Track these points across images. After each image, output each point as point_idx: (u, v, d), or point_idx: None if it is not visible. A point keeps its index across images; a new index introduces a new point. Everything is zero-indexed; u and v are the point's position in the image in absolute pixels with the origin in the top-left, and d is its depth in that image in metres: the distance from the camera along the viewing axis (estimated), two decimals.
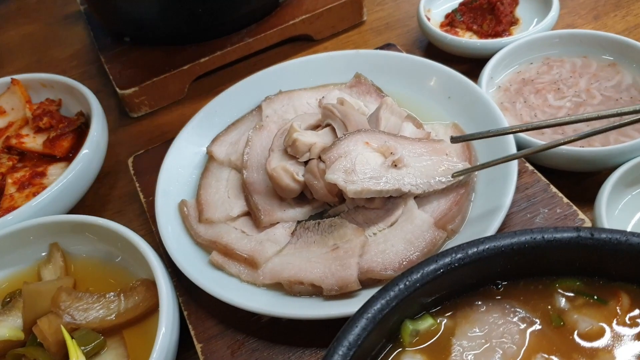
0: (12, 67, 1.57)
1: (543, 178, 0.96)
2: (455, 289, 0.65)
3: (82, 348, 0.85)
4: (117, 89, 1.29)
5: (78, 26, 1.64)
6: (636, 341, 0.60)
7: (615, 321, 0.61)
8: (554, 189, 0.94)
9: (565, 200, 0.92)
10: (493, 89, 1.13)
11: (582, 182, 1.02)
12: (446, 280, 0.63)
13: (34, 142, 1.22)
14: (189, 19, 1.30)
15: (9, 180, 1.14)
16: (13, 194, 1.11)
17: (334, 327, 0.83)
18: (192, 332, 0.86)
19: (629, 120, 0.75)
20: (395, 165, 0.88)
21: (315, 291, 0.84)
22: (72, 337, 0.86)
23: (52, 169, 1.17)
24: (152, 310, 0.90)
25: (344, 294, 0.82)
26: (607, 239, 0.62)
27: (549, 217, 0.91)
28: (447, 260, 0.63)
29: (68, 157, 1.20)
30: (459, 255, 0.63)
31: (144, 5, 1.31)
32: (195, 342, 0.86)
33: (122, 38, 1.42)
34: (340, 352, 0.57)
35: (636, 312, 0.62)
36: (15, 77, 1.29)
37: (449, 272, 0.62)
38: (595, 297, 0.64)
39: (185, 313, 0.89)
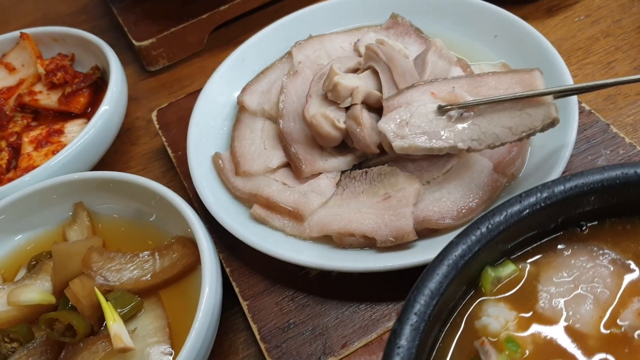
0: (18, 23, 1.49)
1: (602, 118, 0.89)
2: (537, 232, 0.59)
3: (118, 310, 0.80)
4: (134, 41, 1.21)
5: None
6: None
7: None
8: (615, 129, 0.88)
9: (628, 140, 0.86)
10: None
11: (638, 126, 0.95)
12: (529, 222, 0.57)
13: (48, 99, 1.15)
14: None
15: (25, 139, 1.07)
16: (31, 153, 1.05)
17: (388, 280, 0.79)
18: (237, 290, 0.81)
19: None
20: (453, 117, 0.77)
21: (368, 243, 0.78)
22: (107, 300, 0.80)
23: (70, 126, 1.10)
24: (190, 269, 0.85)
25: (399, 245, 0.77)
26: None
27: (611, 159, 0.85)
28: (533, 200, 0.57)
29: (86, 114, 1.13)
30: (544, 194, 0.57)
31: None
32: (241, 300, 0.80)
33: None
34: (422, 302, 0.52)
35: None
36: (25, 31, 1.21)
37: (534, 213, 0.56)
38: None
39: (227, 270, 0.83)
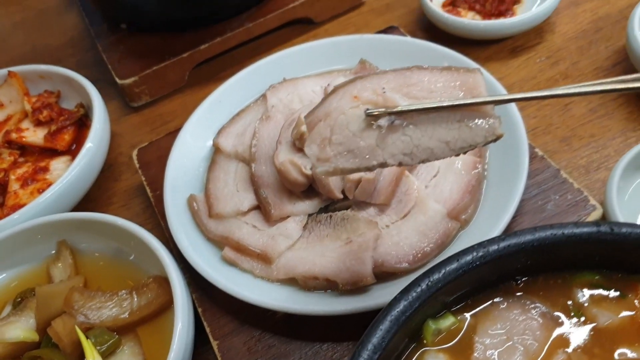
0: (7, 55, 1.54)
1: (553, 164, 0.95)
2: (475, 286, 0.65)
3: (98, 347, 0.85)
4: (117, 79, 1.27)
5: (72, 12, 1.61)
6: None
7: (633, 312, 0.62)
8: (565, 175, 0.94)
9: (576, 186, 0.92)
10: None
11: (591, 167, 1.02)
12: (467, 278, 0.63)
13: (34, 136, 1.21)
14: (186, 5, 1.27)
15: (12, 177, 1.13)
16: (17, 191, 1.10)
17: (349, 321, 0.85)
18: (208, 329, 0.87)
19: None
20: (382, 127, 0.66)
21: (330, 286, 0.84)
22: (87, 337, 0.86)
23: (55, 163, 1.16)
24: (166, 307, 0.90)
25: (359, 288, 0.82)
26: (628, 234, 0.62)
27: (560, 204, 0.91)
28: (469, 258, 0.62)
29: (70, 151, 1.19)
30: (480, 253, 0.63)
31: None
32: (211, 339, 0.86)
33: (118, 25, 1.39)
34: (365, 356, 0.58)
35: None
36: (12, 69, 1.27)
37: (470, 270, 0.62)
38: (614, 291, 0.64)
39: (199, 310, 0.89)
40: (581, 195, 0.91)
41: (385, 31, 1.22)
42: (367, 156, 0.67)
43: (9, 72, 1.26)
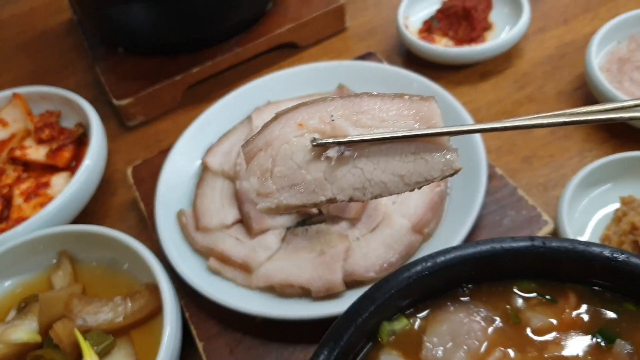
0: (9, 75, 1.63)
1: (511, 182, 1.05)
2: (426, 292, 0.74)
3: (95, 348, 0.94)
4: (114, 100, 1.36)
5: (72, 35, 1.70)
6: (581, 335, 0.69)
7: (563, 317, 0.71)
8: (521, 192, 1.03)
9: (531, 203, 1.01)
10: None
11: (549, 185, 1.11)
12: (418, 285, 0.72)
13: (37, 153, 1.29)
14: (179, 31, 1.37)
15: (16, 192, 1.21)
16: (21, 205, 1.19)
17: (321, 325, 0.92)
18: (194, 332, 0.95)
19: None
20: (331, 159, 0.61)
21: (304, 293, 0.93)
22: (85, 339, 0.94)
23: (56, 179, 1.25)
24: (156, 312, 0.99)
25: (330, 295, 0.91)
26: (557, 247, 0.70)
27: (515, 219, 1.00)
28: (419, 268, 0.71)
29: (70, 167, 1.28)
30: (428, 264, 0.71)
31: (134, 17, 1.37)
32: (197, 341, 0.95)
33: (116, 48, 1.48)
34: (326, 352, 0.66)
35: (581, 309, 0.71)
36: (17, 90, 1.36)
37: (420, 279, 0.71)
38: (547, 297, 0.72)
39: (187, 314, 0.98)
40: (535, 211, 1.00)
41: (363, 57, 1.32)
42: (315, 191, 0.62)
43: (14, 93, 1.36)
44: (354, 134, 0.62)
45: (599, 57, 1.22)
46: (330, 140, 0.61)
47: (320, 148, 0.61)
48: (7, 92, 1.37)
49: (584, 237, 0.99)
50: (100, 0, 1.35)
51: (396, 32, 1.43)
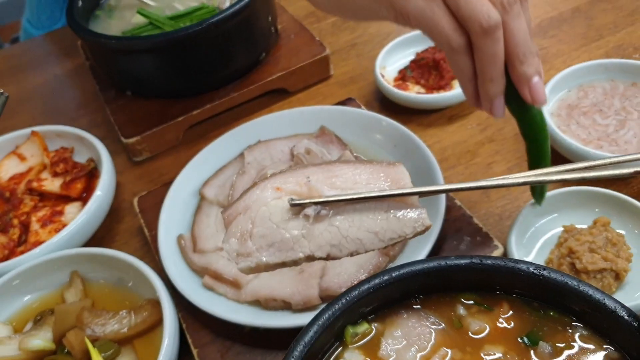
0: (29, 114, 1.78)
1: (468, 212, 1.20)
2: (384, 301, 0.87)
3: (102, 355, 1.07)
4: (122, 139, 1.52)
5: (85, 78, 1.86)
6: (511, 337, 0.83)
7: (497, 323, 0.85)
8: (476, 221, 1.18)
9: (484, 230, 1.16)
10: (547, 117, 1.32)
11: (504, 215, 1.26)
12: (377, 295, 0.85)
13: (52, 185, 1.44)
14: (182, 78, 1.54)
15: (33, 218, 1.36)
16: (38, 230, 1.34)
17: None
18: (190, 340, 1.09)
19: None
20: (309, 217, 0.64)
21: (286, 306, 1.07)
22: (94, 347, 1.08)
23: (69, 208, 1.39)
24: (157, 324, 1.11)
25: (308, 307, 1.06)
26: (491, 264, 0.85)
27: (470, 244, 1.14)
28: (377, 281, 0.85)
29: (82, 197, 1.43)
30: (385, 277, 0.85)
31: (142, 67, 1.54)
32: (192, 348, 1.08)
33: (124, 92, 1.65)
34: (298, 350, 0.80)
35: (512, 315, 0.85)
36: (35, 129, 1.52)
37: (379, 289, 0.85)
38: (485, 306, 0.87)
39: (184, 325, 1.11)
40: (488, 237, 1.15)
41: (344, 102, 1.48)
42: (293, 248, 0.65)
43: (32, 131, 1.52)
44: (330, 194, 0.68)
45: (550, 104, 1.39)
46: (307, 200, 0.66)
47: (297, 208, 0.66)
48: (26, 130, 1.53)
49: (529, 259, 1.13)
50: (110, 52, 1.53)
51: (374, 80, 1.61)
